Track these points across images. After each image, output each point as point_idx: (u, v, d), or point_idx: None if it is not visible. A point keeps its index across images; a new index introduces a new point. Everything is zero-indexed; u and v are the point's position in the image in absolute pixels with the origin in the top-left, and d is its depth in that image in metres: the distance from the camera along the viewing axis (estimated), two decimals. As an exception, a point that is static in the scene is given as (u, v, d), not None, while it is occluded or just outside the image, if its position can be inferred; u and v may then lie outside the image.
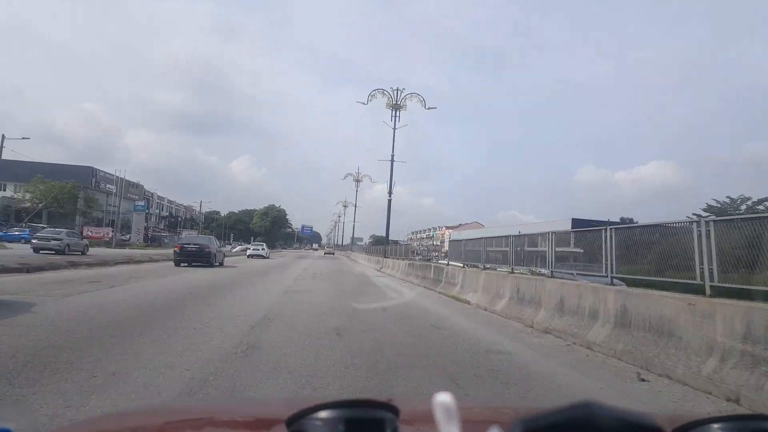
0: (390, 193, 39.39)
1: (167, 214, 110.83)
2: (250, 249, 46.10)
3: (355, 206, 73.68)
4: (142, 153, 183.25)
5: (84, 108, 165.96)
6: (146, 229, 61.40)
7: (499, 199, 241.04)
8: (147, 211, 57.44)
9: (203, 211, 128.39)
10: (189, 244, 26.36)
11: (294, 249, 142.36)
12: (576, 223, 72.74)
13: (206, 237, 30.49)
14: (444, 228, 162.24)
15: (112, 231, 45.39)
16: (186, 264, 24.54)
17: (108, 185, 54.34)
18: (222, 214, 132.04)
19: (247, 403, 2.24)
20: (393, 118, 38.22)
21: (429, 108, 39.21)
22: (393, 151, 37.31)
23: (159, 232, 77.27)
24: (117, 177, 52.95)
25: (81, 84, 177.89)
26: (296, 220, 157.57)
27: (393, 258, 31.69)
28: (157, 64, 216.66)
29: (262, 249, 45.42)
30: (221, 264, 28.23)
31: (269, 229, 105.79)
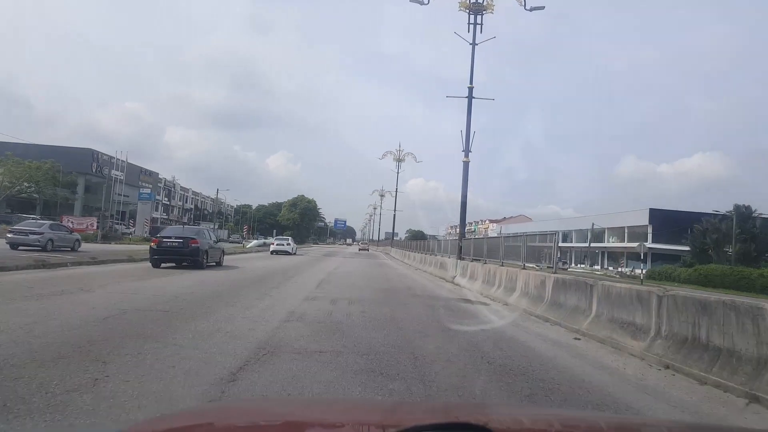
0: (467, 148, 23.45)
1: (192, 206, 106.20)
2: (273, 244, 40.51)
3: (396, 191, 64.41)
4: (182, 150, 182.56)
5: (126, 107, 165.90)
6: (153, 220, 55.39)
7: (537, 192, 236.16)
8: (154, 200, 51.25)
9: (233, 205, 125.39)
10: (170, 237, 19.55)
11: (327, 244, 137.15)
12: (654, 213, 63.22)
13: (195, 228, 23.56)
14: (487, 221, 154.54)
15: (97, 221, 39.25)
16: (168, 264, 18.83)
17: (114, 171, 48.32)
18: (253, 208, 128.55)
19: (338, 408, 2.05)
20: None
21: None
22: (472, 72, 22.91)
23: (171, 224, 71.57)
24: (119, 160, 46.99)
25: (123, 83, 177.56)
26: (330, 215, 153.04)
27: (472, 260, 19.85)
28: (194, 62, 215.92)
29: (287, 244, 39.95)
30: (219, 263, 21.64)
31: (298, 222, 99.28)
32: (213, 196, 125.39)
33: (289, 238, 44.55)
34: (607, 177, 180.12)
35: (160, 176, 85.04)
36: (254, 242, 46.65)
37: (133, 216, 51.24)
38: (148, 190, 50.45)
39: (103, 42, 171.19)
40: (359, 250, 76.52)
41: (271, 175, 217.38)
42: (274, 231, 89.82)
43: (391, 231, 73.79)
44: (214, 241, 22.80)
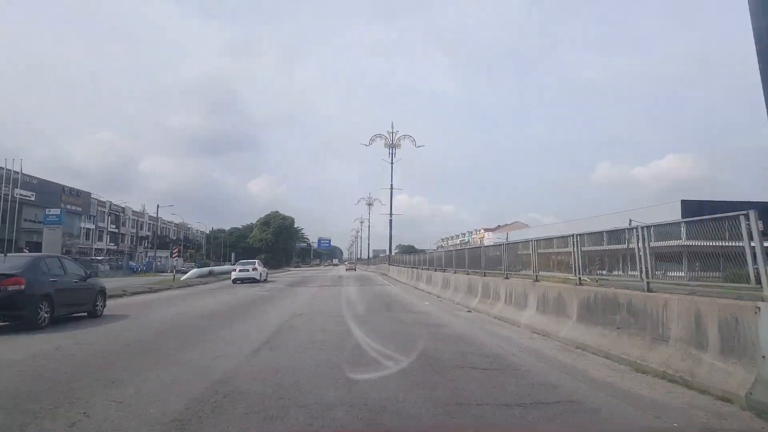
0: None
1: (149, 233, 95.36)
2: (235, 270, 32.34)
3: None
4: (160, 179, 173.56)
5: (100, 138, 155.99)
6: (68, 249, 44.59)
7: (518, 201, 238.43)
8: (61, 223, 40.11)
9: (205, 231, 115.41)
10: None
11: (311, 266, 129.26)
12: (687, 205, 55.42)
13: (27, 258, 13.06)
14: (482, 230, 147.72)
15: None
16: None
17: (20, 190, 37.74)
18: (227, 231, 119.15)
19: None
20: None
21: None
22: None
23: (100, 256, 60.57)
24: (26, 175, 36.40)
25: (95, 113, 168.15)
26: (316, 237, 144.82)
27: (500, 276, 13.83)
28: (171, 88, 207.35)
29: (253, 269, 32.19)
30: (93, 312, 13.19)
31: (272, 242, 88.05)
32: (180, 222, 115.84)
33: (256, 261, 35.20)
34: (584, 183, 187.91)
35: (104, 199, 74.09)
36: (192, 272, 36.01)
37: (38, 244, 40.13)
38: (57, 212, 39.60)
39: (73, 69, 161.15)
40: (346, 270, 72.13)
41: (253, 200, 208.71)
42: (233, 255, 78.95)
43: (382, 247, 66.49)
44: (81, 277, 12.77)
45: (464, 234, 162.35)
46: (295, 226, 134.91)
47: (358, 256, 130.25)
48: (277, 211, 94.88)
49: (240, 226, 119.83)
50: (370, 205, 77.83)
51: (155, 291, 23.25)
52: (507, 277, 13.32)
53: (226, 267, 50.04)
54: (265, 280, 33.07)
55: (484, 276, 15.26)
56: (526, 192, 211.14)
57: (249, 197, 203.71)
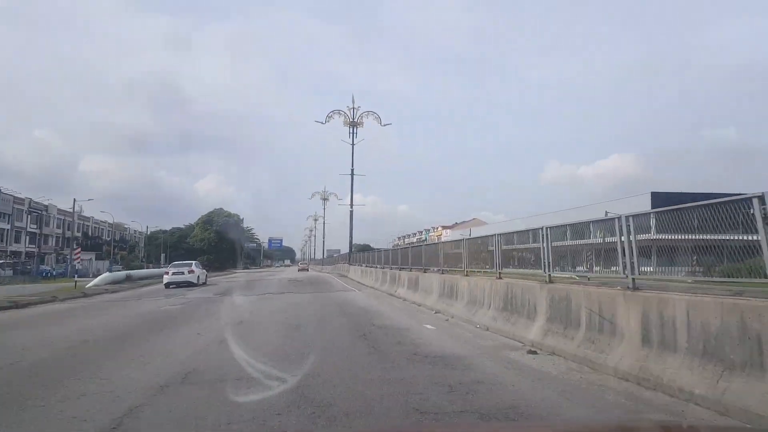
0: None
1: (78, 233, 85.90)
2: (168, 273, 28.88)
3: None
4: (100, 179, 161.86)
5: (36, 136, 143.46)
6: None
7: (471, 200, 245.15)
8: None
9: (144, 231, 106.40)
10: None
11: (262, 267, 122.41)
12: (657, 198, 54.15)
13: None
14: (440, 228, 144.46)
15: None
16: None
17: None
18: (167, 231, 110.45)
19: None
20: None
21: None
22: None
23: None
24: None
25: (30, 111, 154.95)
26: (268, 237, 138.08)
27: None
28: (113, 85, 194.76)
29: (189, 272, 28.94)
30: None
31: (215, 242, 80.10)
32: (115, 222, 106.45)
33: (193, 263, 30.93)
34: (534, 182, 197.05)
35: (23, 196, 65.02)
36: (102, 277, 29.16)
37: None
38: None
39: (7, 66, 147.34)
40: (299, 270, 68.86)
41: (201, 201, 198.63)
42: (163, 256, 71.16)
43: (336, 247, 61.64)
44: None
45: (421, 232, 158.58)
46: (245, 226, 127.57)
47: (312, 257, 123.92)
48: (221, 208, 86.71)
49: (182, 226, 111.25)
50: (325, 199, 71.73)
51: (22, 306, 16.46)
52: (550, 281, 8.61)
53: (156, 270, 43.42)
54: (204, 284, 29.85)
55: (500, 278, 10.23)
56: (477, 191, 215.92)
57: (196, 198, 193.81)
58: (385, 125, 37.10)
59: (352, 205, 37.09)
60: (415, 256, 18.80)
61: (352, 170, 37.07)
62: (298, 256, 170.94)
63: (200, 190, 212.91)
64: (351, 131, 36.71)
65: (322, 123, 36.70)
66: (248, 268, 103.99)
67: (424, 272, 16.46)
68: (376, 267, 26.79)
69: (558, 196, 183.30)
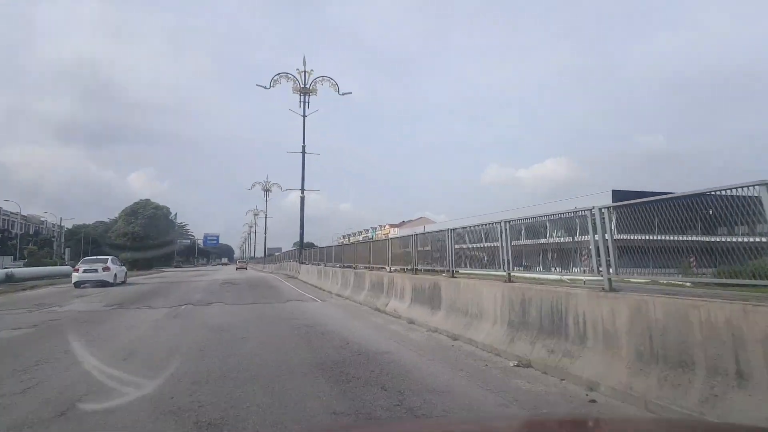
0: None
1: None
2: (78, 271, 25.08)
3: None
4: (20, 171, 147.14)
5: None
6: None
7: (414, 200, 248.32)
8: None
9: (66, 226, 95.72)
10: None
11: (197, 266, 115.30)
12: (618, 196, 51.57)
13: None
14: (387, 226, 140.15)
15: None
16: None
17: None
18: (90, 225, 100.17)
19: None
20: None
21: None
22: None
23: None
24: None
25: None
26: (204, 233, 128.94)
27: None
28: (37, 70, 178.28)
29: (103, 269, 25.07)
30: None
31: (142, 237, 71.15)
32: (30, 215, 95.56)
33: (109, 259, 26.63)
34: (474, 184, 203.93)
35: None
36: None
37: None
38: None
39: None
40: (237, 269, 65.14)
41: (134, 195, 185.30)
42: (67, 251, 62.04)
43: (278, 245, 54.57)
44: None
45: (367, 230, 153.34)
46: (179, 222, 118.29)
47: (252, 255, 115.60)
48: (148, 199, 76.69)
49: (107, 220, 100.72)
50: (267, 190, 64.41)
51: None
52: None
53: (57, 269, 35.58)
54: (123, 283, 26.89)
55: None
56: (419, 191, 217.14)
57: (129, 192, 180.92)
58: (344, 94, 30.58)
59: (303, 189, 30.38)
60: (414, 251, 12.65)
61: (303, 147, 30.34)
62: (237, 254, 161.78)
63: (133, 184, 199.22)
64: (302, 99, 30.04)
65: (265, 88, 29.69)
66: (180, 267, 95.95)
67: (440, 274, 10.34)
68: (335, 266, 20.68)
69: (498, 197, 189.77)
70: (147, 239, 70.41)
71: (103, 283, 24.43)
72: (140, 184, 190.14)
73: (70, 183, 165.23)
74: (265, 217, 64.32)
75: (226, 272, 50.20)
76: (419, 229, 31.61)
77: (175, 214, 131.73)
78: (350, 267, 18.23)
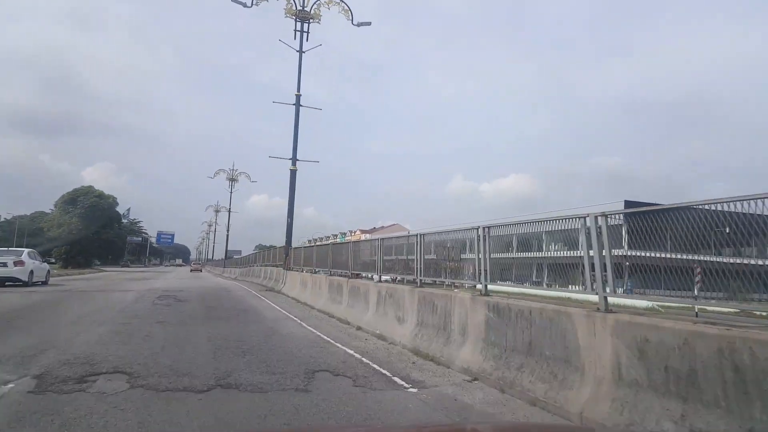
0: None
1: None
2: None
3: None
4: None
5: None
6: None
7: (381, 208, 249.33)
8: None
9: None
10: None
11: (149, 266, 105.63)
12: (629, 205, 41.83)
13: None
14: (358, 231, 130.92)
15: None
16: None
17: None
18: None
19: None
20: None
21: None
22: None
23: None
24: None
25: None
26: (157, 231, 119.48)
27: None
28: None
29: (16, 263, 19.86)
30: None
31: (81, 230, 57.93)
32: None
33: (25, 252, 21.53)
34: (440, 194, 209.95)
35: None
36: None
37: None
38: None
39: None
40: (191, 271, 61.28)
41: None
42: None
43: (237, 248, 47.46)
44: None
45: (336, 235, 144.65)
46: (132, 218, 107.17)
47: (210, 257, 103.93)
48: (90, 186, 64.38)
49: (48, 210, 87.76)
50: (232, 180, 54.14)
51: None
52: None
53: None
54: (43, 282, 21.57)
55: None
56: (382, 199, 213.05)
57: (83, 186, 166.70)
58: (360, 25, 20.89)
59: (295, 157, 20.13)
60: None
61: (298, 98, 20.48)
62: (194, 255, 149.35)
63: (88, 178, 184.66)
64: (298, 27, 20.36)
65: (245, 6, 19.84)
66: (128, 266, 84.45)
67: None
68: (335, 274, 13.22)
69: (461, 208, 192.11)
70: (87, 232, 58.52)
71: (13, 281, 19.59)
72: (95, 178, 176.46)
73: (20, 174, 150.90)
74: (229, 211, 53.67)
75: (176, 276, 39.54)
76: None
77: (128, 209, 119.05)
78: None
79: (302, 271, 18.43)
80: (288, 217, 19.97)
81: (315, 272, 16.87)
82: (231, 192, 52.47)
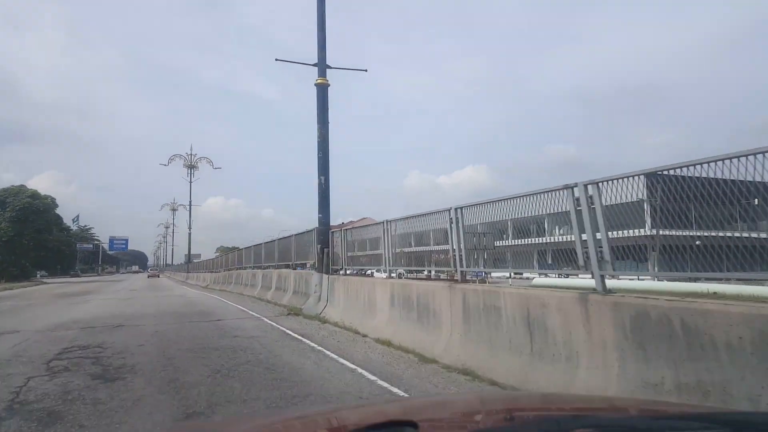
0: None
1: None
2: None
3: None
4: None
5: None
6: None
7: (338, 205, 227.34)
8: None
9: None
10: None
11: (102, 273, 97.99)
12: (655, 180, 31.71)
13: None
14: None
15: None
16: None
17: None
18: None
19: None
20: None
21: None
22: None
23: None
24: None
25: None
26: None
27: None
28: None
29: None
30: None
31: (13, 236, 46.88)
32: None
33: None
34: (397, 189, 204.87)
35: None
36: None
37: None
38: None
39: None
40: (149, 277, 58.16)
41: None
42: None
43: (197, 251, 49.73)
44: None
45: (302, 233, 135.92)
46: (84, 225, 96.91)
47: (168, 262, 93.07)
48: (22, 185, 52.57)
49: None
50: (191, 167, 44.28)
51: None
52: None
53: None
54: None
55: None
56: (341, 197, 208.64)
57: (13, 185, 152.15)
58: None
59: (323, 73, 11.23)
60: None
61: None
62: (151, 261, 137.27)
63: (33, 187, 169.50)
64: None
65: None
66: (78, 276, 76.14)
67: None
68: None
69: (420, 202, 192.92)
70: (22, 238, 47.51)
71: None
72: (42, 188, 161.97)
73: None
74: (190, 204, 43.52)
75: (128, 287, 29.75)
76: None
77: (77, 216, 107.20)
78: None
79: (360, 274, 9.87)
80: (320, 174, 10.82)
81: (399, 275, 8.36)
82: (191, 182, 42.39)
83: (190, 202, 42.11)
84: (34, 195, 51.42)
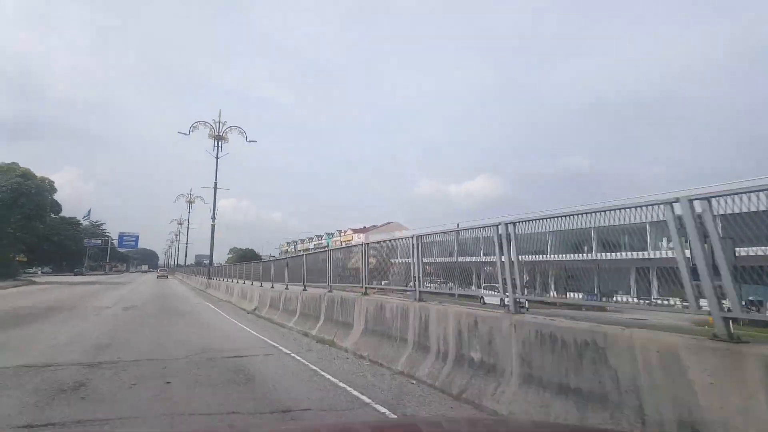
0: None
1: None
2: None
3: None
4: None
5: None
6: None
7: (348, 211, 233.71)
8: None
9: None
10: None
11: (110, 273, 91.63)
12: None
13: None
14: (349, 231, 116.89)
15: None
16: None
17: None
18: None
19: None
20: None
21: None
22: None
23: None
24: None
25: None
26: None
27: None
28: None
29: None
30: None
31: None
32: None
33: None
34: (409, 196, 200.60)
35: None
36: None
37: None
38: None
39: None
40: (158, 277, 58.09)
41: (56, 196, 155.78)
42: None
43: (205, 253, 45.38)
44: None
45: (320, 237, 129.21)
46: (95, 220, 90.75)
47: (178, 262, 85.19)
48: (13, 163, 43.30)
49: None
50: (219, 138, 35.64)
51: None
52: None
53: None
54: None
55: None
56: (351, 203, 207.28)
57: (2, 162, 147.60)
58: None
59: None
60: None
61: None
62: (162, 260, 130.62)
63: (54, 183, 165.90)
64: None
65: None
66: (81, 274, 68.12)
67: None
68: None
69: (430, 210, 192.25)
70: (3, 226, 39.13)
71: None
72: (60, 183, 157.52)
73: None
74: (215, 187, 34.12)
75: (131, 290, 21.23)
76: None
77: (89, 210, 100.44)
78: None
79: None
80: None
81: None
82: (217, 157, 33.36)
83: (215, 184, 33.02)
84: (26, 174, 42.56)
